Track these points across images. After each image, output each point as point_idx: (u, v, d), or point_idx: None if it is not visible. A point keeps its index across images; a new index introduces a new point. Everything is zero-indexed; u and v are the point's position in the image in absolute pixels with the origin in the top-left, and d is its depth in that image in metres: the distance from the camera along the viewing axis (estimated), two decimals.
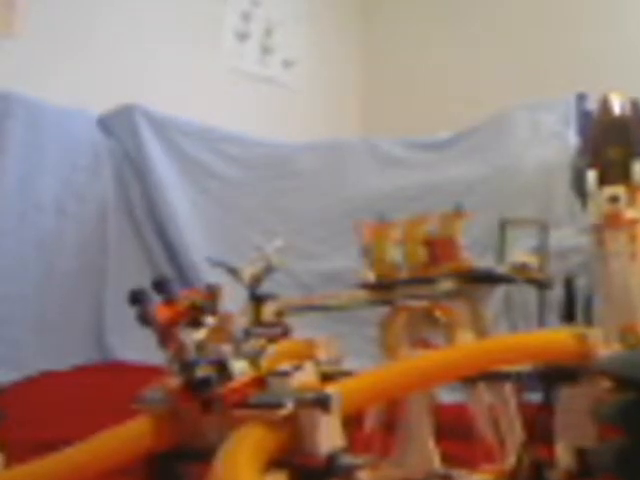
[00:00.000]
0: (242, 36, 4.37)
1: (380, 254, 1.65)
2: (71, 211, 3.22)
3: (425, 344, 1.62)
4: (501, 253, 1.68)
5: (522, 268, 1.58)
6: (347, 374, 1.36)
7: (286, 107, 4.48)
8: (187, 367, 1.23)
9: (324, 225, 3.47)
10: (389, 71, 4.98)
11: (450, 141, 3.51)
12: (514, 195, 3.01)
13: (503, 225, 1.74)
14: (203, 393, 1.22)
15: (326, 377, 1.33)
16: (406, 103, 4.78)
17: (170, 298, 1.28)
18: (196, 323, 1.27)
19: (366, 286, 1.66)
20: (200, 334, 1.26)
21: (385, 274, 1.64)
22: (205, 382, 1.21)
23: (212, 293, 1.30)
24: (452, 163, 3.35)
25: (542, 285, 1.69)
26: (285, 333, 1.40)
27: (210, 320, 1.28)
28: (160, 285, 1.28)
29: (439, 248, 1.60)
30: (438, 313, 1.57)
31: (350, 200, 3.42)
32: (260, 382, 1.23)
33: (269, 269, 1.45)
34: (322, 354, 1.43)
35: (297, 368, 1.25)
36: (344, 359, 1.49)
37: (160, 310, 1.25)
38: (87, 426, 1.34)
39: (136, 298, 1.24)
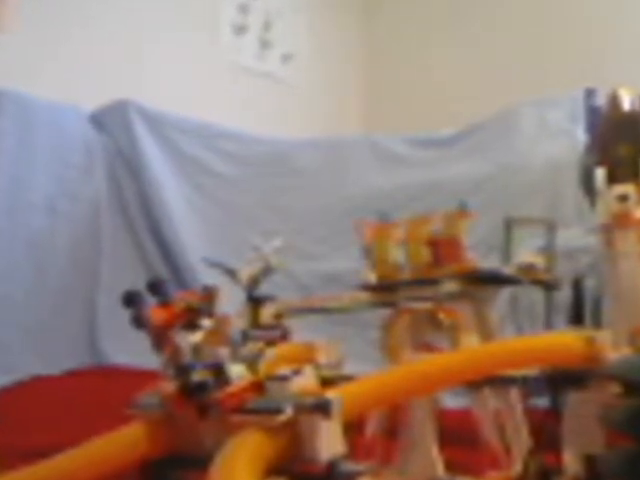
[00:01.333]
0: (240, 29, 4.37)
1: (382, 254, 1.64)
2: (63, 210, 3.22)
3: (428, 347, 1.62)
4: (507, 253, 1.68)
5: (529, 269, 1.58)
6: (348, 378, 1.36)
7: (285, 103, 4.48)
8: (183, 371, 1.23)
9: (324, 224, 3.47)
10: (391, 65, 4.98)
11: (454, 138, 3.51)
12: (520, 194, 3.01)
13: (509, 224, 1.73)
14: (199, 398, 1.22)
15: (326, 381, 1.33)
16: (408, 99, 4.78)
17: (165, 300, 1.28)
18: (192, 326, 1.26)
19: (367, 287, 1.65)
20: (196, 337, 1.26)
21: (387, 275, 1.64)
22: (201, 387, 1.21)
23: (208, 295, 1.31)
24: (456, 161, 3.35)
25: (549, 286, 1.69)
26: (284, 336, 1.40)
27: (206, 322, 1.28)
28: (155, 286, 1.28)
29: (443, 248, 1.60)
30: (442, 315, 1.57)
31: (351, 199, 3.42)
32: (258, 387, 1.23)
33: (267, 270, 1.45)
34: (322, 358, 1.43)
35: (296, 372, 1.26)
36: (345, 363, 1.49)
37: (155, 312, 1.25)
38: (80, 432, 1.34)
39: (130, 300, 1.24)
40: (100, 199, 3.38)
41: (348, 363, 1.49)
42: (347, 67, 4.97)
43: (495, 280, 1.60)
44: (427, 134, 3.64)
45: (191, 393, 1.22)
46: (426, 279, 1.59)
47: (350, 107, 4.95)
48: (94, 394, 2.55)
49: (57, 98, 3.22)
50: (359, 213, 2.04)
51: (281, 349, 1.36)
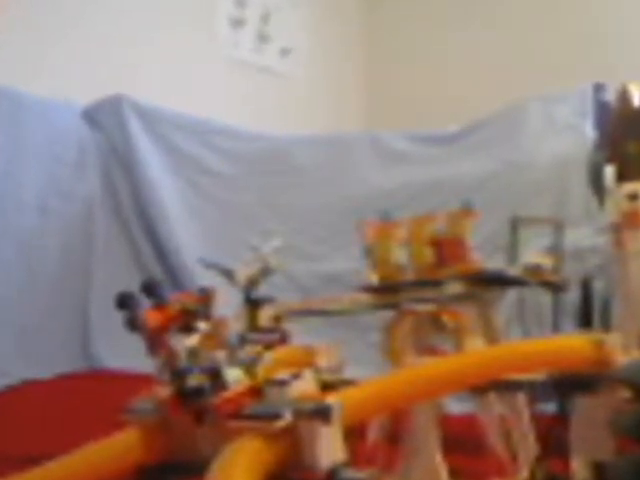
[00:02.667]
0: (237, 23, 4.37)
1: (384, 255, 1.64)
2: (55, 209, 3.21)
3: (432, 351, 1.62)
4: (513, 254, 1.68)
5: (536, 270, 1.57)
6: (349, 383, 1.35)
7: (284, 98, 4.48)
8: (178, 375, 1.22)
9: (324, 224, 3.47)
10: (392, 60, 4.98)
11: (459, 135, 3.50)
12: (527, 192, 3.01)
13: (515, 224, 1.74)
14: (195, 403, 1.21)
15: (326, 386, 1.33)
16: (410, 94, 4.78)
17: (160, 302, 1.27)
18: (188, 328, 1.26)
19: (369, 289, 1.65)
20: (192, 340, 1.26)
21: (389, 276, 1.63)
22: (197, 391, 1.21)
23: (205, 296, 1.30)
24: (461, 158, 3.34)
25: (557, 288, 1.69)
26: (283, 339, 1.40)
27: (203, 325, 1.27)
28: (150, 288, 1.28)
29: (447, 248, 1.60)
30: (446, 318, 1.57)
31: (352, 197, 3.42)
32: (256, 391, 1.23)
33: (266, 271, 1.45)
34: (322, 361, 1.42)
35: (295, 377, 1.25)
36: (345, 367, 1.49)
37: (150, 315, 1.24)
38: (73, 438, 1.33)
39: (124, 302, 1.23)
40: (93, 198, 3.38)
41: (349, 367, 1.49)
42: (347, 61, 4.97)
43: (501, 281, 1.60)
44: (430, 131, 3.64)
45: (187, 398, 1.21)
46: (429, 280, 1.59)
47: (350, 103, 4.95)
48: (87, 399, 2.55)
49: (49, 93, 3.21)
50: (360, 212, 2.04)
51: (280, 353, 1.36)
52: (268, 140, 3.81)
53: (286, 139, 3.84)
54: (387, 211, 1.67)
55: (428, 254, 1.61)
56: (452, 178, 3.19)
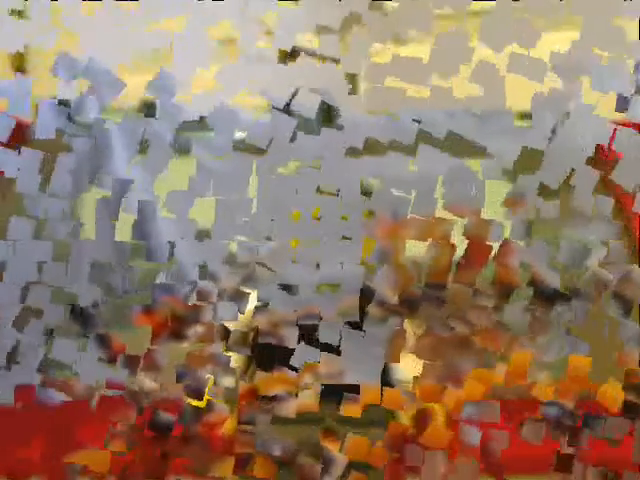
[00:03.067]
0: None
1: (396, 258, 1.55)
2: None
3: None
4: (568, 260, 1.45)
5: (600, 282, 1.34)
6: (350, 388, 1.33)
7: (279, 84, 4.38)
8: (143, 410, 1.18)
9: (326, 223, 3.36)
10: (395, 42, 4.91)
11: (489, 113, 3.38)
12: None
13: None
14: (166, 435, 1.17)
15: (327, 390, 1.32)
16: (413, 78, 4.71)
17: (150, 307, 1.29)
18: (178, 335, 1.26)
19: (383, 305, 1.53)
20: (183, 347, 1.24)
21: (402, 283, 1.51)
22: (168, 426, 1.16)
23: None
24: (491, 139, 3.21)
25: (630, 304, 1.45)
26: (280, 345, 1.37)
27: (194, 331, 1.28)
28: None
29: (474, 250, 1.42)
30: (478, 340, 1.37)
31: (358, 191, 3.32)
32: (251, 395, 1.21)
33: (261, 274, 1.48)
34: (322, 368, 1.39)
35: (290, 394, 1.24)
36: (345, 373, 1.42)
37: (139, 319, 1.27)
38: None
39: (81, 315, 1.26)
40: (67, 196, 3.29)
41: (349, 372, 1.44)
42: (349, 46, 4.88)
43: (552, 296, 1.37)
44: (453, 109, 3.52)
45: (157, 430, 1.17)
46: (450, 288, 1.42)
47: (355, 83, 4.87)
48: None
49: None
50: (371, 207, 1.91)
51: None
52: (262, 130, 3.73)
53: (283, 127, 3.76)
54: (398, 210, 1.64)
55: (451, 257, 1.45)
56: (482, 163, 3.07)
